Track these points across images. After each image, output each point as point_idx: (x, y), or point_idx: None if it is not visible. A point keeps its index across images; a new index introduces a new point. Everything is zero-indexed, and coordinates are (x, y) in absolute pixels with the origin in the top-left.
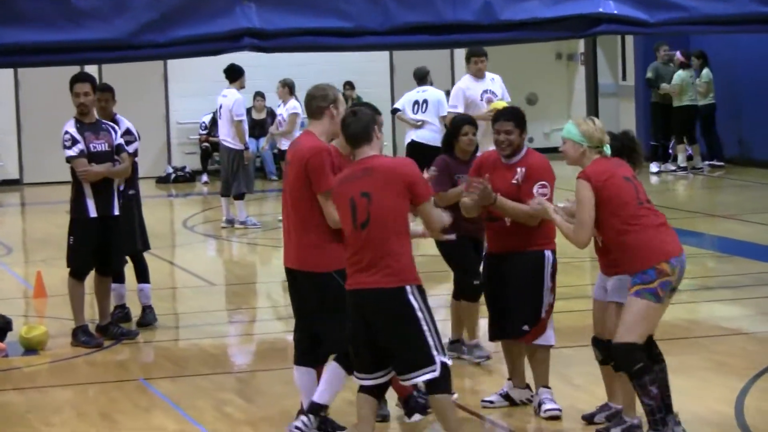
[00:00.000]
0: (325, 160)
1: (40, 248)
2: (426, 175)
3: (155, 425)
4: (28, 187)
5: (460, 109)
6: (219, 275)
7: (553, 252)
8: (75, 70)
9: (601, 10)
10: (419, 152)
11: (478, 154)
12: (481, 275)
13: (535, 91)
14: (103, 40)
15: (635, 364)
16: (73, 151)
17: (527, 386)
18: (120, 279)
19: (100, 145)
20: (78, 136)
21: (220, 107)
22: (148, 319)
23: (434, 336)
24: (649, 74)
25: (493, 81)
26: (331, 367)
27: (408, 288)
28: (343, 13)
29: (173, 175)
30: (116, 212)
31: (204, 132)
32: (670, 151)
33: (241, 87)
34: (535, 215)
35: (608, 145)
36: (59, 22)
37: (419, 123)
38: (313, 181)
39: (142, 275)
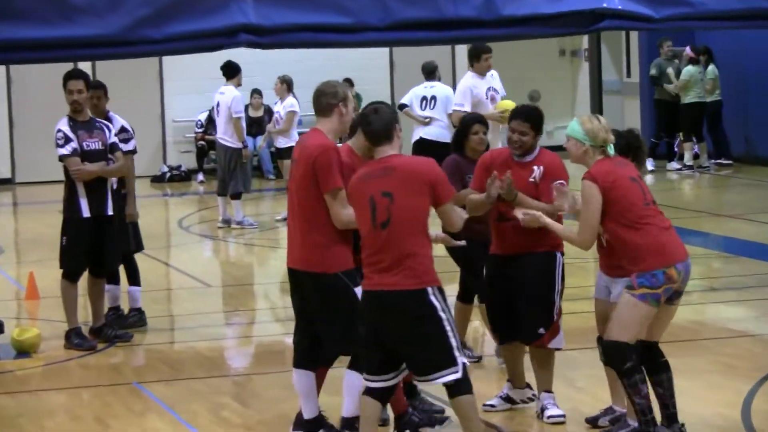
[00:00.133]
0: (333, 159)
1: (32, 249)
2: None
3: (150, 429)
4: (20, 186)
5: (467, 108)
6: (215, 276)
7: (562, 254)
8: (68, 67)
9: (605, 5)
10: (427, 150)
11: None
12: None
13: (537, 88)
14: (97, 36)
15: (625, 363)
16: (66, 150)
17: (527, 385)
18: (115, 280)
19: (93, 144)
20: (71, 135)
21: (218, 105)
22: (130, 322)
23: (455, 337)
24: (653, 71)
25: (493, 77)
26: (350, 378)
27: (429, 289)
28: (342, 9)
29: (168, 174)
30: (110, 212)
31: (200, 130)
32: (676, 149)
33: (238, 84)
34: (554, 213)
35: (611, 145)
36: (52, 18)
37: (427, 120)
38: (320, 179)
39: (133, 277)
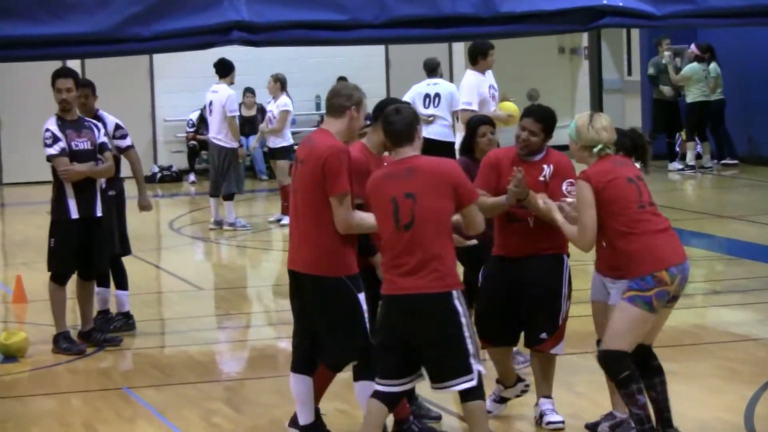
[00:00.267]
0: (344, 162)
1: (20, 251)
2: None
3: None
4: (7, 187)
5: (475, 107)
6: (207, 279)
7: (568, 255)
8: (57, 65)
9: (605, 2)
10: (430, 150)
11: None
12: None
13: (536, 86)
14: (86, 33)
15: (622, 372)
16: (54, 150)
17: (517, 379)
18: (105, 283)
19: (82, 144)
20: (59, 134)
21: (210, 103)
22: (115, 326)
23: (473, 343)
24: (651, 70)
25: (489, 74)
26: (364, 389)
27: (454, 293)
28: (336, 5)
29: (159, 175)
30: (99, 213)
31: (191, 130)
32: (677, 149)
33: (231, 83)
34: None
35: (600, 146)
36: (40, 15)
37: (430, 118)
38: (328, 181)
39: (120, 281)
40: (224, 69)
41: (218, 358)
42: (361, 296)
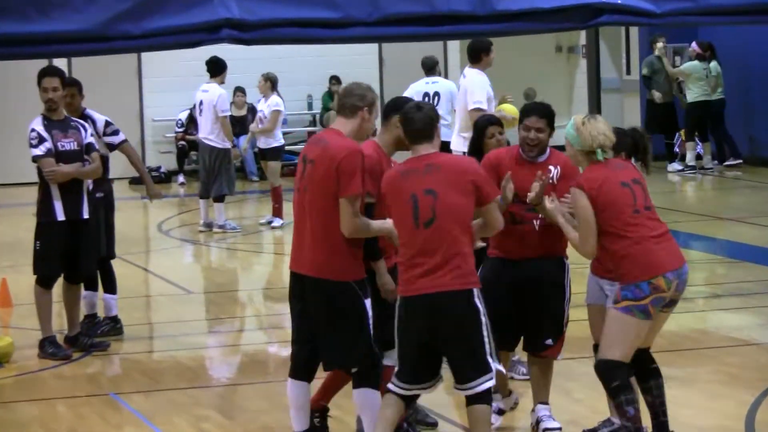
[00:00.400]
0: (359, 164)
1: (5, 254)
2: None
3: None
4: None
5: (484, 106)
6: (196, 282)
7: (567, 258)
8: (43, 63)
9: None
10: None
11: None
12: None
13: (533, 86)
14: (74, 31)
15: (613, 382)
16: (39, 150)
17: (509, 391)
18: (93, 286)
19: (68, 144)
20: (45, 134)
21: (201, 103)
22: (102, 330)
23: (491, 343)
24: (644, 70)
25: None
26: (363, 396)
27: (475, 291)
28: (329, 3)
29: None
30: (86, 215)
31: (180, 130)
32: (677, 149)
33: (222, 82)
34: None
35: (599, 151)
36: (27, 12)
37: None
38: (341, 182)
39: (108, 285)
40: (216, 68)
41: (208, 364)
42: (368, 302)
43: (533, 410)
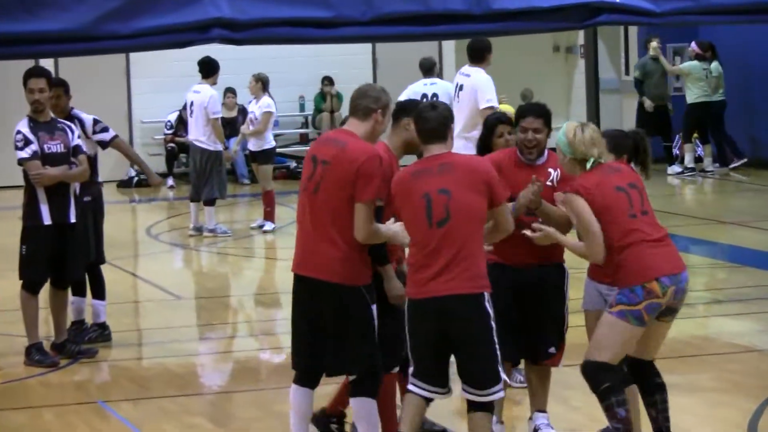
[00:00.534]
0: (379, 168)
1: None
2: None
3: None
4: None
5: (496, 104)
6: (186, 288)
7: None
8: (28, 64)
9: None
10: None
11: None
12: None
13: (530, 86)
14: (61, 30)
15: (601, 384)
16: (25, 153)
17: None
18: (81, 292)
19: (55, 146)
20: (31, 137)
21: (191, 104)
22: (90, 337)
23: (498, 350)
24: (636, 73)
25: None
26: (360, 405)
27: (485, 295)
28: (322, 2)
29: (136, 179)
30: (73, 219)
31: (170, 131)
32: (677, 151)
33: (214, 83)
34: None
35: (593, 160)
36: (13, 11)
37: None
38: (359, 186)
39: (97, 290)
40: (209, 68)
41: (198, 371)
42: (374, 308)
43: (531, 418)
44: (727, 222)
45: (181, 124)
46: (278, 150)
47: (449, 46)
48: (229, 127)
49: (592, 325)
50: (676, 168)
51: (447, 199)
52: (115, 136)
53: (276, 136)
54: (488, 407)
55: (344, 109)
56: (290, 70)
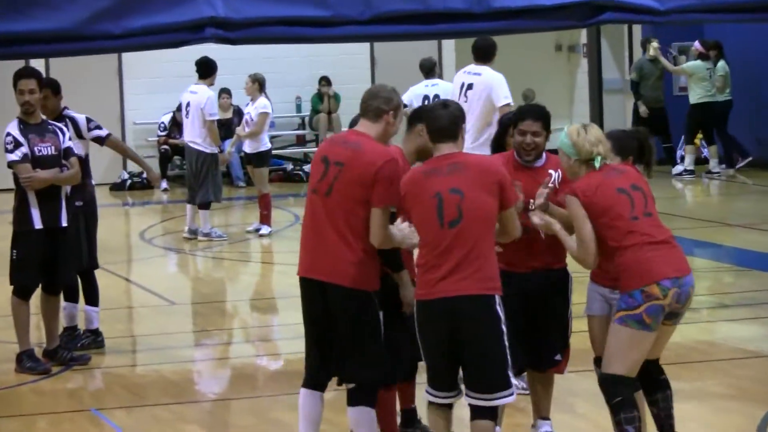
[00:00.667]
0: (397, 173)
1: None
2: None
3: None
4: None
5: (511, 100)
6: (181, 293)
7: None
8: (18, 64)
9: None
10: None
11: None
12: None
13: (532, 86)
14: (52, 30)
15: (614, 398)
16: (15, 156)
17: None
18: (73, 297)
19: (46, 149)
20: (21, 139)
21: (187, 105)
22: (82, 344)
23: (509, 355)
24: (633, 75)
25: None
26: (357, 414)
27: (497, 297)
28: (319, 1)
29: (129, 182)
30: (64, 223)
31: (163, 133)
32: (682, 151)
33: (211, 84)
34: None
35: (599, 158)
36: (2, 10)
37: None
38: (377, 190)
39: (90, 296)
40: (206, 69)
41: (193, 378)
42: (380, 315)
43: (534, 426)
44: (734, 224)
45: (175, 125)
46: (274, 152)
47: (449, 45)
48: (224, 128)
49: (595, 331)
50: (679, 168)
51: (459, 199)
52: (109, 134)
53: (272, 137)
54: (493, 415)
55: (342, 110)
56: (286, 71)
